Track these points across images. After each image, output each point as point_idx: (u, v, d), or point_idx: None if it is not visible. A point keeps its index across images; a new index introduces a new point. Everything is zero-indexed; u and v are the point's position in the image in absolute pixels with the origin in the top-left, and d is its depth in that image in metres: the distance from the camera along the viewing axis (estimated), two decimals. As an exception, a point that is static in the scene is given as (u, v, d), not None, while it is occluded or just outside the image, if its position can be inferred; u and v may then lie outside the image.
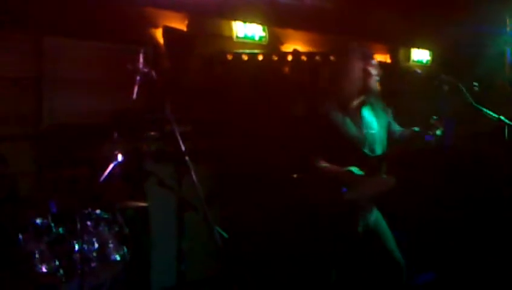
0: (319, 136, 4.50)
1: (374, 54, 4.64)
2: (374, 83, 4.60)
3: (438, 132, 4.40)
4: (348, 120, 4.55)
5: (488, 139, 4.42)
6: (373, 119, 4.65)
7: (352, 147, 4.50)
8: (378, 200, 4.63)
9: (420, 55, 9.01)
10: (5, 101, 5.70)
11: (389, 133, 4.73)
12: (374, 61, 4.62)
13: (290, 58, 7.50)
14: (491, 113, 4.34)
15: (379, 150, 4.61)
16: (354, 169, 4.43)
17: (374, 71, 4.58)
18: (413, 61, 8.99)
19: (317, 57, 7.63)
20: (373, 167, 4.47)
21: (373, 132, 4.61)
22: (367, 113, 4.64)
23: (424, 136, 4.44)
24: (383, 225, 4.69)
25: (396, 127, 4.80)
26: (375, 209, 4.67)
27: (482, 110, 4.38)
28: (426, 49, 8.81)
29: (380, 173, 4.50)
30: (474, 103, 4.40)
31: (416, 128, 4.58)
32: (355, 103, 4.61)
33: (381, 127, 4.67)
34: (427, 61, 9.07)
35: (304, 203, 4.75)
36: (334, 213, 4.48)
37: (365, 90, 4.59)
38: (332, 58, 7.55)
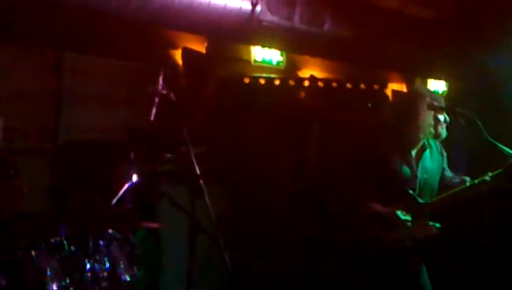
0: (371, 175, 4.49)
1: (442, 101, 4.62)
2: (442, 130, 4.60)
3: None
4: (404, 164, 4.55)
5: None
6: (429, 164, 4.65)
7: (403, 190, 4.50)
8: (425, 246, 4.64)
9: (436, 85, 9.00)
10: (24, 115, 5.74)
11: (441, 179, 4.73)
12: (443, 107, 4.60)
13: (306, 83, 7.53)
14: (506, 149, 4.33)
15: (428, 195, 4.61)
16: (400, 213, 4.44)
17: (443, 118, 4.57)
18: (430, 91, 8.99)
19: (334, 84, 7.66)
20: (419, 212, 4.48)
21: (426, 177, 4.60)
22: (425, 158, 4.64)
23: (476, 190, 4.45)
24: (424, 271, 4.70)
25: (449, 173, 4.79)
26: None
27: (497, 146, 4.37)
28: (443, 80, 8.80)
29: (426, 218, 4.51)
30: (489, 138, 4.39)
31: (468, 180, 4.59)
32: (417, 147, 4.62)
33: (434, 172, 4.67)
34: (443, 92, 9.05)
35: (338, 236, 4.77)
36: (375, 252, 4.51)
37: (433, 136, 4.61)
38: (349, 85, 7.64)
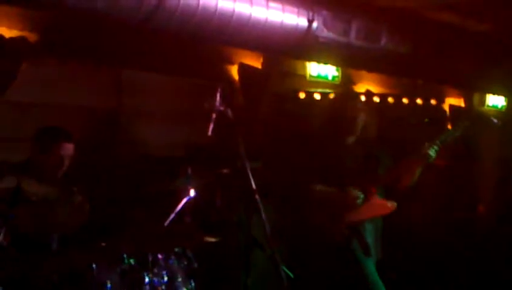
0: (314, 162, 4.93)
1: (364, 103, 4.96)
2: (360, 127, 5.01)
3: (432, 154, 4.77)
4: (344, 152, 4.93)
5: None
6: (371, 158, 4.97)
7: (351, 174, 4.83)
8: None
9: (495, 100, 8.87)
10: (84, 130, 5.88)
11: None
12: (362, 106, 5.08)
13: (362, 98, 7.51)
14: None
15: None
16: (352, 189, 4.71)
17: (362, 117, 5.01)
18: (488, 106, 8.85)
19: (389, 99, 7.62)
20: (369, 190, 4.79)
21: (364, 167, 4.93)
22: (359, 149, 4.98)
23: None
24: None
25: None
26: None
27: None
28: (502, 95, 8.66)
29: (378, 196, 4.79)
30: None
31: None
32: (351, 139, 5.01)
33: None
34: (502, 106, 8.91)
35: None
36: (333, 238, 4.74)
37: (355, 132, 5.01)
38: (405, 100, 7.61)
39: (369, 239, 4.85)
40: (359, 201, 4.72)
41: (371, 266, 4.78)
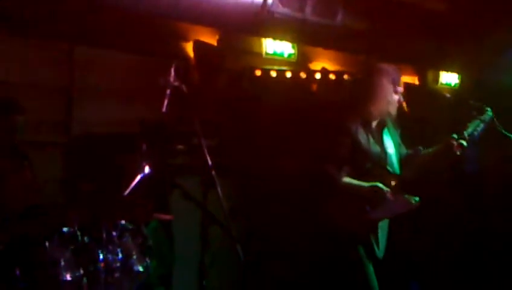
0: (341, 151, 4.46)
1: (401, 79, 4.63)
2: (396, 107, 4.62)
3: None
4: (371, 138, 4.53)
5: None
6: (390, 140, 4.66)
7: (376, 165, 4.48)
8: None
9: (449, 78, 8.96)
10: (36, 109, 5.76)
11: (399, 155, 4.71)
12: (401, 88, 4.63)
13: (318, 76, 7.52)
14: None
15: (397, 170, 4.60)
16: (380, 185, 4.37)
17: (400, 96, 4.61)
18: (442, 83, 8.94)
19: (345, 76, 7.64)
20: (395, 186, 4.43)
21: (391, 152, 4.61)
22: (386, 134, 4.65)
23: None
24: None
25: (404, 150, 4.78)
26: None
27: (510, 138, 4.36)
28: (455, 72, 8.76)
29: (403, 192, 4.44)
30: (503, 130, 4.38)
31: (421, 149, 4.61)
32: (376, 122, 4.62)
33: (395, 148, 4.68)
34: (456, 84, 9.01)
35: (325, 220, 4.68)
36: (352, 232, 4.44)
37: (387, 112, 4.60)
38: (357, 76, 7.63)
39: (381, 238, 4.53)
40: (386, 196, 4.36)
41: (371, 268, 4.47)
